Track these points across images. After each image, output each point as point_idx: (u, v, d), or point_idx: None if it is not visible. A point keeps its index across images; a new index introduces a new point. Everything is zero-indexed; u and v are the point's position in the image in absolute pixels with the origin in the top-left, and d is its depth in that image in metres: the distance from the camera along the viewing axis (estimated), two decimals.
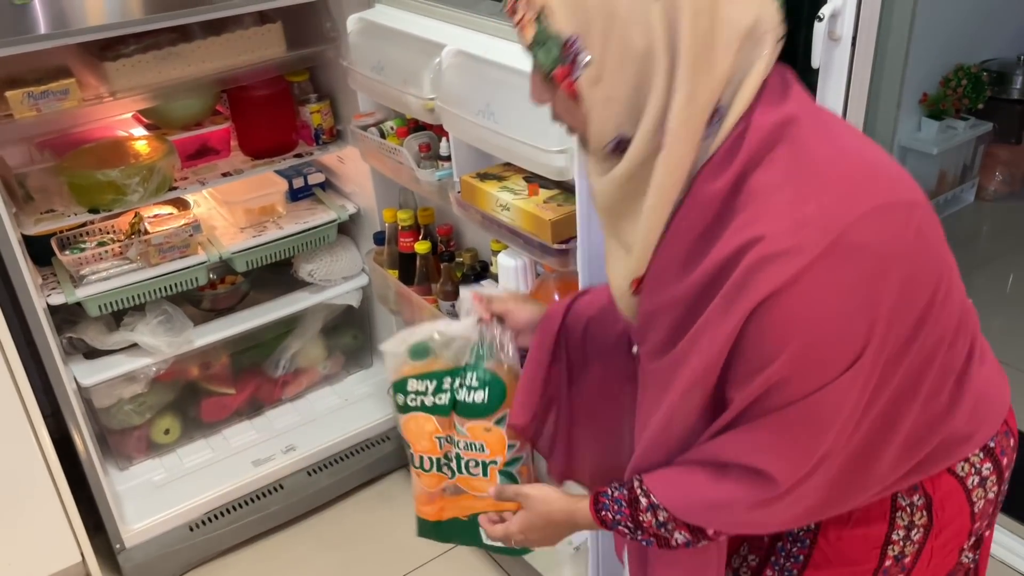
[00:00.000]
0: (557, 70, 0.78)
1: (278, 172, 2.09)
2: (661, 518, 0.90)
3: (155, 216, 1.95)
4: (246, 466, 2.12)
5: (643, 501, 0.91)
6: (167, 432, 2.11)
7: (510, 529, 1.09)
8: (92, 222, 1.87)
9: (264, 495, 2.10)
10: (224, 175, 1.96)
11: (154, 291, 1.88)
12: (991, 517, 0.98)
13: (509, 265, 1.49)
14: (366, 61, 1.69)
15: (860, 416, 0.80)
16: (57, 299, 1.78)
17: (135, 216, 1.90)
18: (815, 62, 1.59)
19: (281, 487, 2.12)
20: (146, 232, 1.87)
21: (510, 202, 1.39)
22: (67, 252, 1.82)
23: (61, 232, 1.85)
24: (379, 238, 1.97)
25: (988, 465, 0.93)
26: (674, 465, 0.89)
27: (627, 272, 0.86)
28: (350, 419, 2.25)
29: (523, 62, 0.84)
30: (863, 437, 0.82)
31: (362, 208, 2.13)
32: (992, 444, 0.93)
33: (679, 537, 0.89)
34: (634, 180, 0.80)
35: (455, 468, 1.17)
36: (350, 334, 2.34)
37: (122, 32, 1.64)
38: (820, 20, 1.62)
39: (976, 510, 0.94)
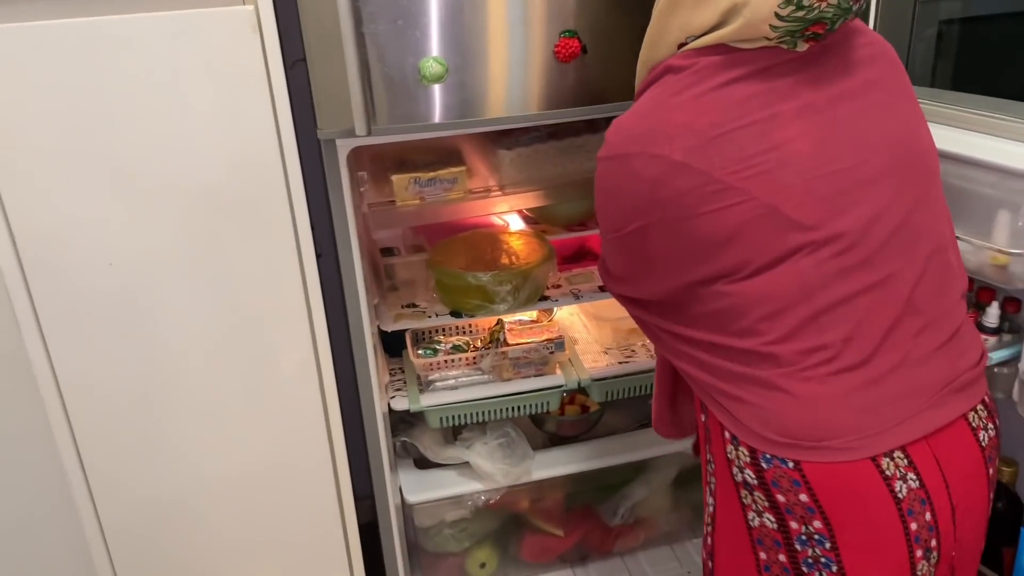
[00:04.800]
0: None
1: None
2: None
3: (516, 321, 1.70)
4: None
5: None
6: (483, 566, 1.83)
7: None
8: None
9: None
10: (600, 288, 1.65)
11: (500, 410, 1.62)
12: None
13: None
14: None
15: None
16: (400, 404, 1.58)
17: (497, 323, 1.66)
18: None
19: None
20: (505, 343, 1.62)
21: None
22: (419, 352, 1.62)
23: None
24: None
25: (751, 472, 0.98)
26: None
27: None
28: None
29: None
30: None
31: None
32: (765, 463, 0.96)
33: None
34: None
35: None
36: None
37: (527, 124, 1.39)
38: None
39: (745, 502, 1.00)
